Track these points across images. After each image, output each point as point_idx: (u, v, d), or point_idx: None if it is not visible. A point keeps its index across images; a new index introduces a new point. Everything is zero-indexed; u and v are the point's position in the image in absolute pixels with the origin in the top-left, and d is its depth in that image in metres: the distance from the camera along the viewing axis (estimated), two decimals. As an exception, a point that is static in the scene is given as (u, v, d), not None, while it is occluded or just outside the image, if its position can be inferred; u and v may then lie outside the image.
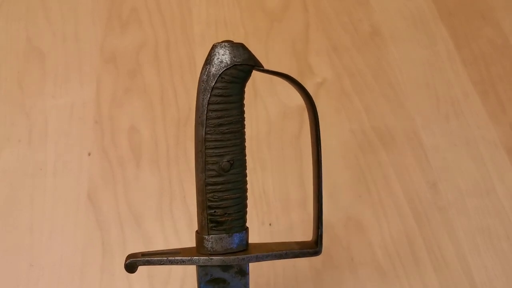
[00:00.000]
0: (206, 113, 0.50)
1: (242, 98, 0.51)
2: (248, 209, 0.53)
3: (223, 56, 0.49)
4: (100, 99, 0.85)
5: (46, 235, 0.72)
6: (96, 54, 0.90)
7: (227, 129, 0.50)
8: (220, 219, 0.51)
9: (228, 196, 0.51)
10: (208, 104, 0.49)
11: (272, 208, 0.75)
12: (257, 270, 0.68)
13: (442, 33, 0.94)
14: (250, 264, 0.53)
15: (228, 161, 0.50)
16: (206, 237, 0.51)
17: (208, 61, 0.50)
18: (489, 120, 0.84)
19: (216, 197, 0.51)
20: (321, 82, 0.87)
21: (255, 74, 0.51)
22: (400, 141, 0.82)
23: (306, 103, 0.52)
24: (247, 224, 0.53)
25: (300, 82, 0.51)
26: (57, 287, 0.68)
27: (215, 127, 0.50)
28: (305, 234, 0.72)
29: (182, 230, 0.73)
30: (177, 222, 0.74)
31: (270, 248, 0.53)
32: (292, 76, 0.51)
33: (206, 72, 0.50)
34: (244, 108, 0.51)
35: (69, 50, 0.91)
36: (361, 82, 0.88)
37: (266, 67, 0.51)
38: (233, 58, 0.49)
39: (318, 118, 0.52)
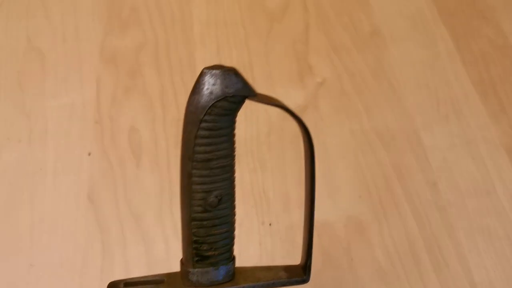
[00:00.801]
0: (194, 147, 0.45)
1: (233, 129, 0.47)
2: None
3: (214, 87, 0.44)
4: (100, 99, 0.85)
5: (46, 235, 0.72)
6: (96, 54, 0.90)
7: (215, 164, 0.46)
8: (206, 254, 0.49)
9: (215, 232, 0.48)
10: (196, 137, 0.45)
11: (272, 208, 0.75)
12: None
13: (442, 33, 0.94)
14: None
15: (216, 196, 0.47)
16: (191, 270, 0.49)
17: (197, 90, 0.44)
18: (489, 120, 0.84)
19: (202, 232, 0.48)
20: (321, 82, 0.87)
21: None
22: (400, 141, 0.82)
23: (302, 135, 0.49)
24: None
25: (294, 112, 0.48)
26: (57, 287, 0.68)
27: (203, 162, 0.46)
28: (305, 234, 0.72)
29: (182, 230, 0.73)
30: (177, 222, 0.73)
31: (256, 276, 0.52)
32: (286, 106, 0.48)
33: (194, 103, 0.44)
34: (235, 135, 0.48)
35: (69, 50, 0.91)
36: (361, 82, 0.88)
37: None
38: (225, 89, 0.44)
39: (313, 151, 0.48)
